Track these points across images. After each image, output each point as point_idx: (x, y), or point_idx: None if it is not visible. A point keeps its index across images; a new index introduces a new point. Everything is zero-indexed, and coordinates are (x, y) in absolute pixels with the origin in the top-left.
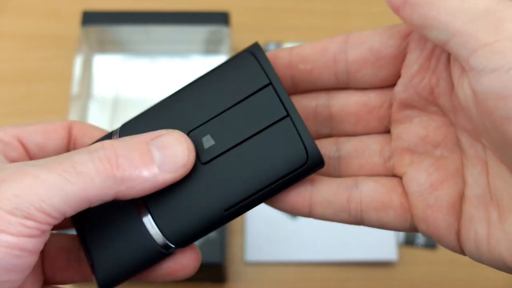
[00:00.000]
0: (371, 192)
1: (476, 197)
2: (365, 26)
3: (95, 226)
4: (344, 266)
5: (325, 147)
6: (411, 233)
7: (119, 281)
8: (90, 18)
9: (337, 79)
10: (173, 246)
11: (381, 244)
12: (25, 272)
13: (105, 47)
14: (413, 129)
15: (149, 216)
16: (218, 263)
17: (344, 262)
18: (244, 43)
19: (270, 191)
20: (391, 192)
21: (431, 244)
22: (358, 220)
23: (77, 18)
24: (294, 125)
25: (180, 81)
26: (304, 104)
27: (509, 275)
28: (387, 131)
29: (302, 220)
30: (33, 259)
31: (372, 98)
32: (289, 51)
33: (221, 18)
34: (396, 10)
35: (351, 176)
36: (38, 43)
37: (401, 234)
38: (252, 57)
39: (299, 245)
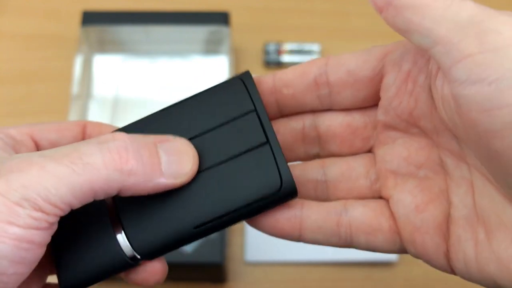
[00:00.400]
0: (360, 216)
1: (462, 217)
2: (365, 26)
3: (67, 230)
4: (344, 266)
5: (312, 170)
6: None
7: (80, 285)
8: (90, 18)
9: (320, 101)
10: (139, 258)
11: None
12: (32, 265)
13: (105, 47)
14: (396, 150)
15: (120, 226)
16: (218, 263)
17: (344, 262)
18: (244, 43)
19: (241, 214)
20: (379, 215)
21: None
22: (348, 243)
23: (77, 18)
24: (273, 153)
25: (180, 81)
26: (291, 126)
27: None
28: (370, 151)
29: None
30: (40, 251)
31: (356, 119)
32: (273, 76)
33: (221, 18)
34: (380, 11)
35: (340, 199)
36: (38, 43)
37: None
38: (241, 83)
39: (299, 245)
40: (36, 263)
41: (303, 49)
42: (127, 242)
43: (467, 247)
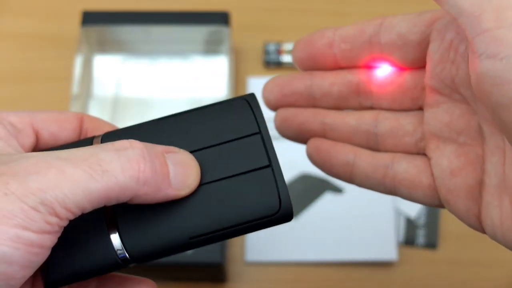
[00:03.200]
0: (403, 172)
1: (492, 185)
2: None
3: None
4: (344, 266)
5: (366, 121)
6: (411, 233)
7: (68, 281)
8: (90, 18)
9: (373, 58)
10: (130, 259)
11: (381, 244)
12: (37, 267)
13: (105, 47)
14: (439, 114)
15: (116, 227)
16: (218, 263)
17: (344, 262)
18: (244, 43)
19: (237, 231)
20: (421, 173)
21: (431, 244)
22: (393, 193)
23: (77, 18)
24: (274, 176)
25: (180, 81)
26: (348, 78)
27: (509, 275)
28: (421, 109)
29: (302, 220)
30: (48, 254)
31: (406, 79)
32: (333, 31)
33: (221, 18)
34: None
35: (387, 151)
36: (38, 43)
37: (401, 234)
38: (247, 104)
39: (299, 245)
40: (39, 265)
41: None
42: (120, 242)
43: (494, 213)
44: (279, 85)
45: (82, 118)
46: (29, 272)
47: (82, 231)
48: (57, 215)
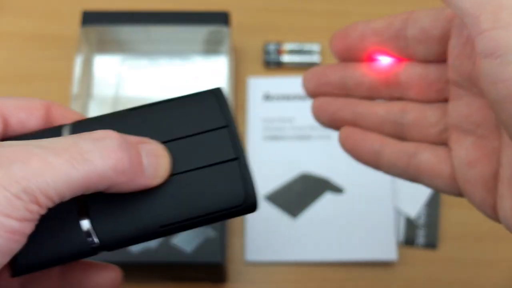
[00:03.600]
0: (426, 161)
1: (506, 177)
2: None
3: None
4: (344, 266)
5: (394, 112)
6: (411, 233)
7: (36, 267)
8: (90, 18)
9: (400, 51)
10: (100, 245)
11: (381, 244)
12: (13, 255)
13: (105, 47)
14: (460, 107)
15: (86, 213)
16: (218, 263)
17: (344, 262)
18: (244, 43)
19: (205, 220)
20: (442, 163)
21: (431, 244)
22: (416, 181)
23: (77, 18)
24: (240, 169)
25: (180, 81)
26: (378, 70)
27: (509, 275)
28: (447, 101)
29: (302, 220)
30: (25, 241)
31: (431, 72)
32: (365, 24)
33: (221, 18)
34: None
35: (413, 141)
36: (38, 43)
37: (401, 234)
38: (214, 98)
39: (299, 245)
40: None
41: (303, 49)
42: (91, 227)
43: (507, 205)
44: (316, 75)
45: (50, 106)
46: (6, 260)
47: (53, 219)
48: (38, 203)
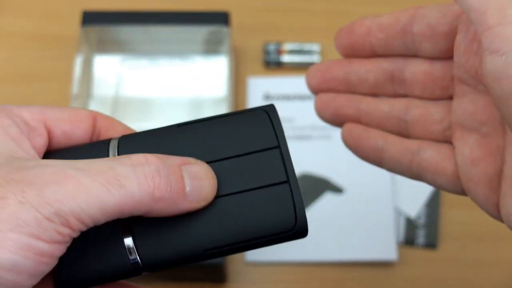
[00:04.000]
0: (429, 159)
1: (510, 175)
2: None
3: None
4: (344, 266)
5: (398, 109)
6: (411, 233)
7: (78, 284)
8: (90, 18)
9: (406, 48)
10: (142, 266)
11: (381, 244)
12: (43, 276)
13: (105, 47)
14: (465, 104)
15: (130, 232)
16: (218, 263)
17: (344, 262)
18: (244, 43)
19: (252, 245)
20: (445, 160)
21: (431, 244)
22: (419, 179)
23: (77, 18)
24: (291, 192)
25: (180, 81)
26: (383, 66)
27: (509, 275)
28: (451, 98)
29: None
30: (55, 263)
31: (436, 69)
32: (372, 19)
33: (221, 18)
34: None
35: (416, 138)
36: (38, 43)
37: (401, 234)
38: (266, 116)
39: (299, 245)
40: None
41: (303, 49)
42: (133, 246)
43: (509, 203)
44: (320, 70)
45: (96, 117)
46: (36, 281)
47: (96, 236)
48: (70, 226)
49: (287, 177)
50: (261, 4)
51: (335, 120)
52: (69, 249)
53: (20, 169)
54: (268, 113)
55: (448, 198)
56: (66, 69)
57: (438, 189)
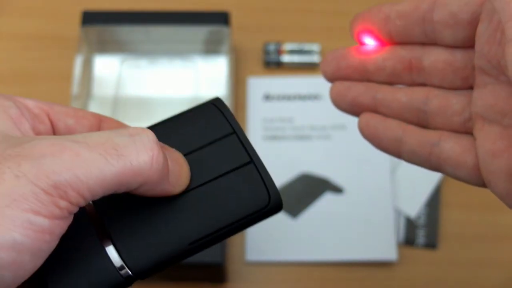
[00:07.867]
0: (449, 151)
1: None
2: None
3: (55, 250)
4: (344, 266)
5: (417, 99)
6: (411, 233)
7: None
8: (90, 18)
9: (426, 36)
10: (133, 276)
11: (381, 244)
12: (45, 257)
13: (105, 47)
14: (486, 95)
15: (108, 238)
16: (218, 263)
17: (344, 262)
18: (244, 43)
19: (233, 229)
20: (466, 152)
21: (431, 244)
22: (438, 171)
23: (77, 18)
24: (258, 171)
25: (180, 81)
26: (401, 54)
27: (509, 275)
28: (472, 88)
29: (302, 220)
30: (56, 243)
31: (457, 58)
32: (390, 6)
33: (221, 18)
34: None
35: (436, 129)
36: (38, 43)
37: (401, 234)
38: (215, 108)
39: (299, 245)
40: (46, 257)
41: (303, 49)
42: (119, 257)
43: None
44: (336, 58)
45: (101, 119)
46: (39, 262)
47: (71, 242)
48: (68, 200)
49: (250, 157)
50: (261, 4)
51: (352, 109)
52: (52, 264)
53: (17, 145)
54: (216, 105)
55: (448, 198)
56: (66, 69)
57: (458, 180)
